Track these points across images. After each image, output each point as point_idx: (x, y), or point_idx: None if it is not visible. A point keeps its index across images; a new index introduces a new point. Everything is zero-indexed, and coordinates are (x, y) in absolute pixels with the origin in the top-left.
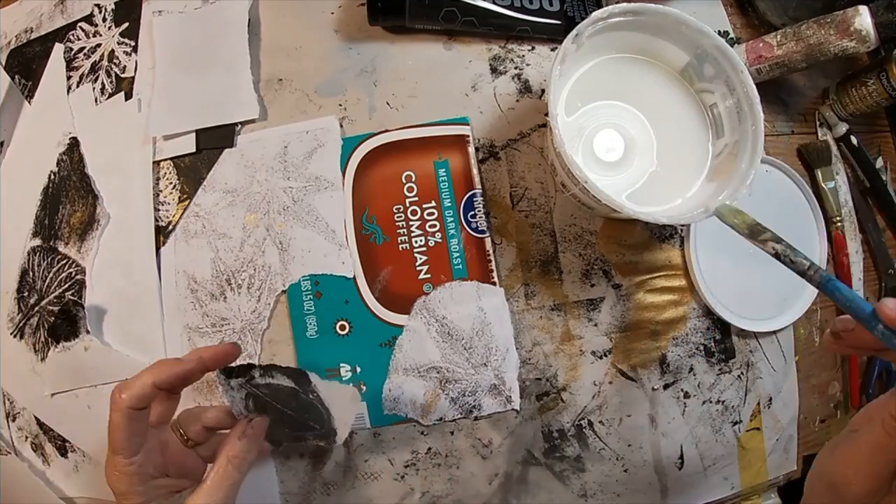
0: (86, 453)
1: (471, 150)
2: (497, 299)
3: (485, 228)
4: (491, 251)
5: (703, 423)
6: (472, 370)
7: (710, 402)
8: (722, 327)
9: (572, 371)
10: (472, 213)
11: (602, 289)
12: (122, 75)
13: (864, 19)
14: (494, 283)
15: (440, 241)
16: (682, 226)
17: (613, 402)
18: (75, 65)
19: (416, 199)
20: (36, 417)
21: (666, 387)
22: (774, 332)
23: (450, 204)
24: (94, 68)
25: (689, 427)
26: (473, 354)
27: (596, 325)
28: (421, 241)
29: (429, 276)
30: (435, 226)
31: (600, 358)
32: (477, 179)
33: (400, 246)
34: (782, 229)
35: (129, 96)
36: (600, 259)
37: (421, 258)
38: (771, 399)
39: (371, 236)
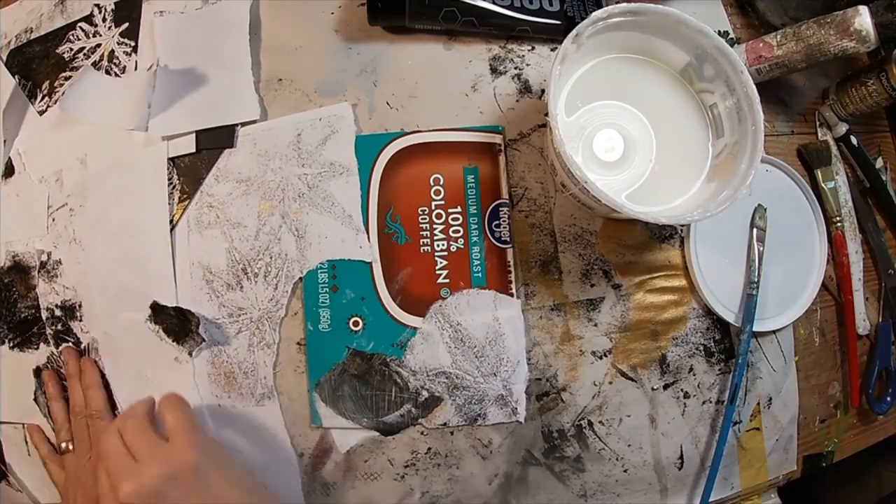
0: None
1: (501, 159)
2: (513, 311)
3: (508, 239)
4: (512, 262)
5: (703, 423)
6: (480, 379)
7: (710, 402)
8: (722, 327)
9: (572, 371)
10: (497, 222)
11: (602, 289)
12: (123, 75)
13: (864, 19)
14: (512, 295)
15: (462, 247)
16: (682, 226)
17: (613, 403)
18: (75, 65)
19: (443, 202)
20: None
21: (666, 387)
22: (774, 332)
23: (475, 211)
24: (93, 68)
25: (689, 427)
26: (484, 363)
27: (596, 325)
28: (443, 245)
29: (447, 280)
30: (458, 231)
31: (600, 358)
32: (505, 189)
33: (422, 248)
34: (782, 229)
35: None
36: (600, 259)
37: (441, 262)
38: (771, 399)
39: (393, 235)
